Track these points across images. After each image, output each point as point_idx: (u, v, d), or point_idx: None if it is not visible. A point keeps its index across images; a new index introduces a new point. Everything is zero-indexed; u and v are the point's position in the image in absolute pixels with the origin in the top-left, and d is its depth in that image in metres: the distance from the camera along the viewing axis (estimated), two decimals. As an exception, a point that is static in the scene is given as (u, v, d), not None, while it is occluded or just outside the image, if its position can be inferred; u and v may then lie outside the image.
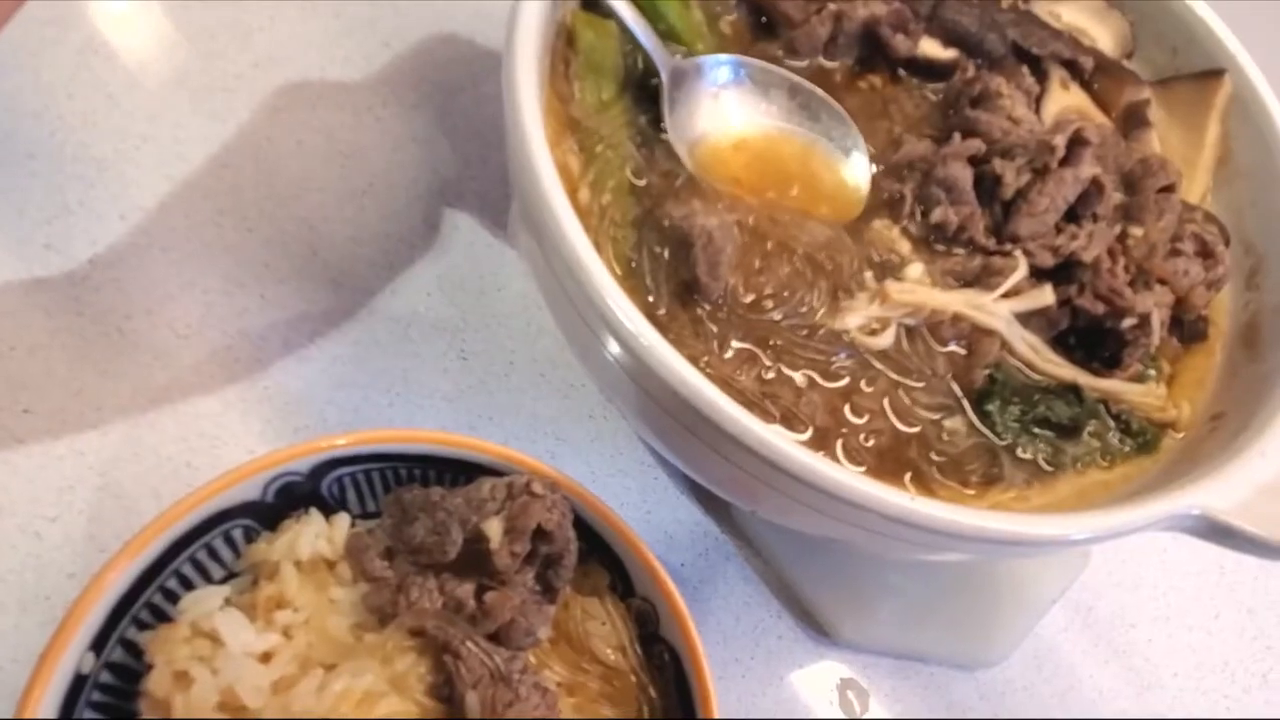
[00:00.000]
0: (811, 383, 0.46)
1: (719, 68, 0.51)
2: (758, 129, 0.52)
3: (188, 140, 0.60)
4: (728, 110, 0.51)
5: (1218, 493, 0.42)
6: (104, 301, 0.55)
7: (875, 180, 0.51)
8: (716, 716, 0.41)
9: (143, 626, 0.39)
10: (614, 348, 0.40)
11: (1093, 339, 0.50)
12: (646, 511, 0.58)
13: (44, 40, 0.61)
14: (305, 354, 0.57)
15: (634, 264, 0.46)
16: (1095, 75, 0.58)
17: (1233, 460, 0.44)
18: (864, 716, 0.55)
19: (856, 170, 0.52)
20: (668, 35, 0.52)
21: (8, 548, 0.49)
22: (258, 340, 0.56)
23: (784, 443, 0.38)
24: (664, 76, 0.49)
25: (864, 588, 0.56)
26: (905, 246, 0.50)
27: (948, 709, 0.56)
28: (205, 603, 0.39)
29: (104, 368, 0.54)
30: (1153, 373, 0.51)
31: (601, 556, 0.45)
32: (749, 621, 0.56)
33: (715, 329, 0.46)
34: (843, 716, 0.55)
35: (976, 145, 0.51)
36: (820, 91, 0.52)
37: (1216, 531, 0.42)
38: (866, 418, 0.46)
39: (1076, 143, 0.50)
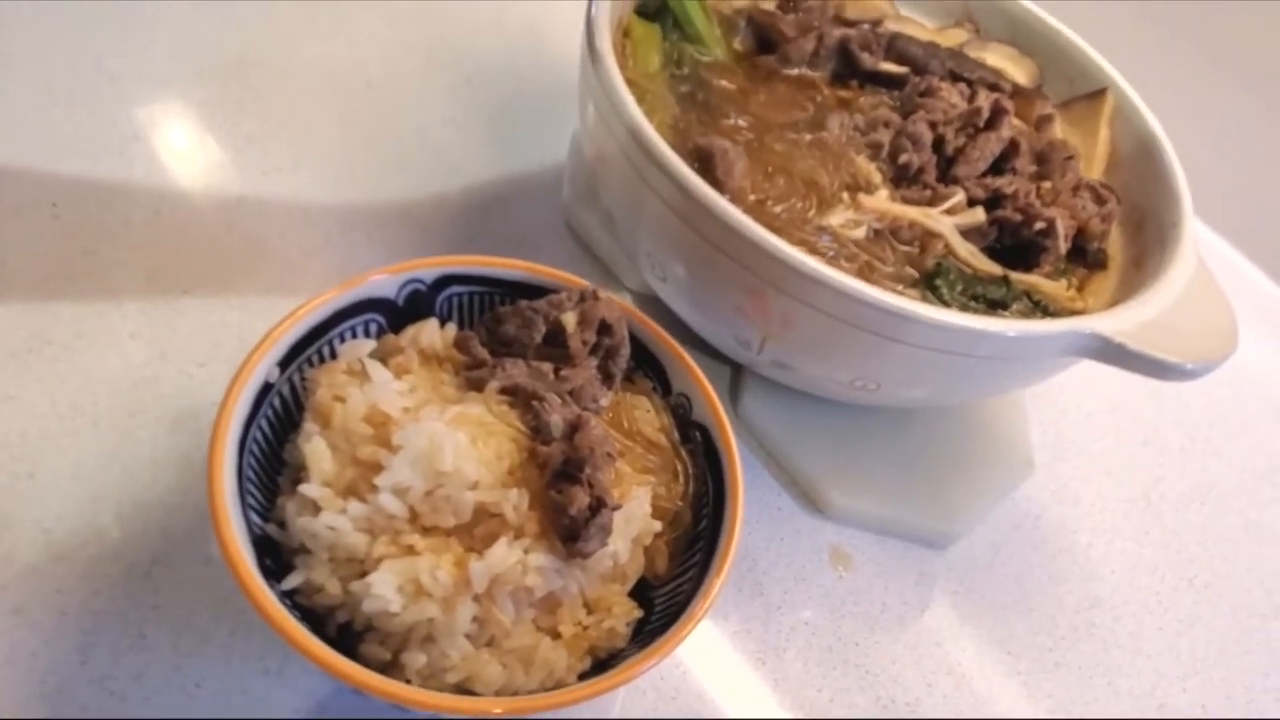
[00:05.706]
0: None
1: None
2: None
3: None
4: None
5: (1109, 322, 0.56)
6: (249, 224, 0.70)
7: (859, 129, 0.68)
8: (739, 474, 0.53)
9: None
10: (675, 200, 0.56)
11: (1014, 254, 0.66)
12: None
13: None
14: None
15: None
16: (1013, 97, 0.77)
17: (1121, 306, 0.58)
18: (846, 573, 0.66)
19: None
20: (694, 39, 0.70)
21: (167, 382, 0.61)
22: (362, 266, 0.71)
23: (798, 251, 0.53)
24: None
25: (849, 468, 0.68)
26: (877, 178, 0.66)
27: (918, 576, 0.67)
28: (358, 349, 0.52)
29: (247, 269, 0.68)
30: (1063, 281, 0.66)
31: (646, 369, 0.58)
32: (754, 496, 0.68)
33: (732, 215, 0.61)
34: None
35: (937, 116, 0.69)
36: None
37: (1110, 351, 0.56)
38: (846, 282, 0.60)
39: (997, 112, 0.68)
